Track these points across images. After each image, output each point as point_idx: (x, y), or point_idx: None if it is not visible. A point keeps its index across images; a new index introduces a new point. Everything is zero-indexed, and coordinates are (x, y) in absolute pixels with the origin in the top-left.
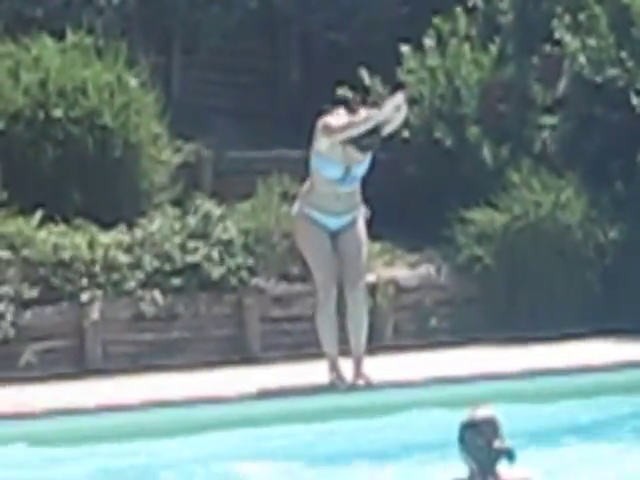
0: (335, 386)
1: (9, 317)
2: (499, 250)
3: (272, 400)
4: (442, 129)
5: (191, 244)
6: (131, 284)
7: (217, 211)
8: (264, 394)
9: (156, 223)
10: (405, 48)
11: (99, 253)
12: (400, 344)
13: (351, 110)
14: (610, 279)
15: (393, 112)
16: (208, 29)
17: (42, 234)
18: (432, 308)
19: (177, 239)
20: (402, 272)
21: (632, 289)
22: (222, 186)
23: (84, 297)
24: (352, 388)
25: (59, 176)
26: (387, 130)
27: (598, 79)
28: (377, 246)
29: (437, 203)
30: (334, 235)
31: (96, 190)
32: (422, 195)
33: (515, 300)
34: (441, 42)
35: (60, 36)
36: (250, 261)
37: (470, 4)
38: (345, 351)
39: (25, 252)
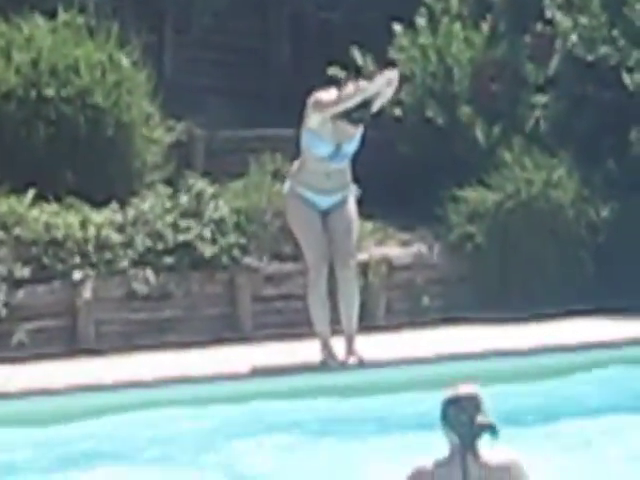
0: (327, 365)
1: (1, 296)
2: (491, 229)
3: (264, 378)
4: (434, 108)
5: (183, 223)
6: (123, 263)
7: (209, 190)
8: (256, 372)
9: (148, 202)
10: (397, 27)
11: (91, 232)
12: (392, 323)
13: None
14: (602, 257)
15: (384, 86)
16: (200, 8)
17: (34, 213)
18: (424, 287)
19: (169, 218)
20: (394, 251)
21: (624, 267)
22: (214, 165)
23: (76, 276)
24: (344, 366)
25: (51, 155)
26: (377, 104)
27: (590, 58)
28: (369, 225)
29: (429, 182)
30: (325, 214)
31: (88, 169)
32: (414, 174)
33: (507, 279)
34: (433, 20)
35: (52, 15)
36: (242, 240)
37: None
38: (337, 330)
39: (17, 231)
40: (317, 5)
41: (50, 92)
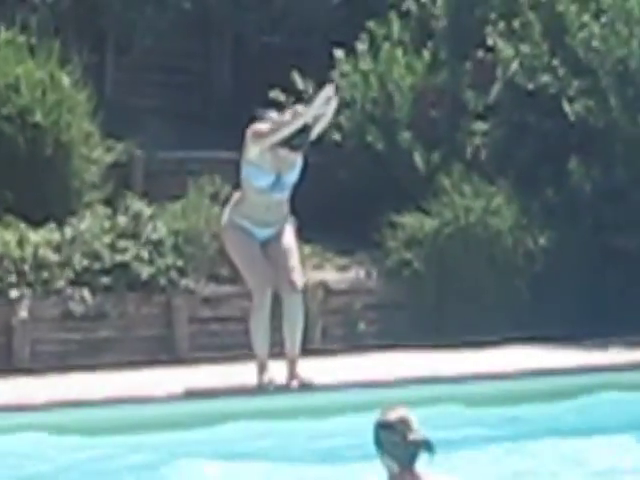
0: (264, 388)
1: None
2: (429, 255)
3: (199, 401)
4: (374, 133)
5: (121, 243)
6: (60, 282)
7: (147, 211)
8: (191, 395)
9: (86, 222)
10: (338, 52)
11: (29, 251)
12: (328, 348)
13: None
14: (539, 286)
15: (324, 105)
16: (142, 29)
17: None
18: (361, 312)
19: (107, 238)
20: (331, 275)
21: (560, 296)
22: (153, 186)
23: (13, 295)
24: (283, 390)
25: None
26: (319, 127)
27: (530, 86)
28: (307, 249)
29: (368, 207)
30: (263, 244)
31: (26, 188)
32: (353, 199)
33: (444, 305)
34: (374, 46)
35: None
36: (180, 262)
37: (404, 9)
38: (276, 353)
39: None
40: (259, 28)
41: None
